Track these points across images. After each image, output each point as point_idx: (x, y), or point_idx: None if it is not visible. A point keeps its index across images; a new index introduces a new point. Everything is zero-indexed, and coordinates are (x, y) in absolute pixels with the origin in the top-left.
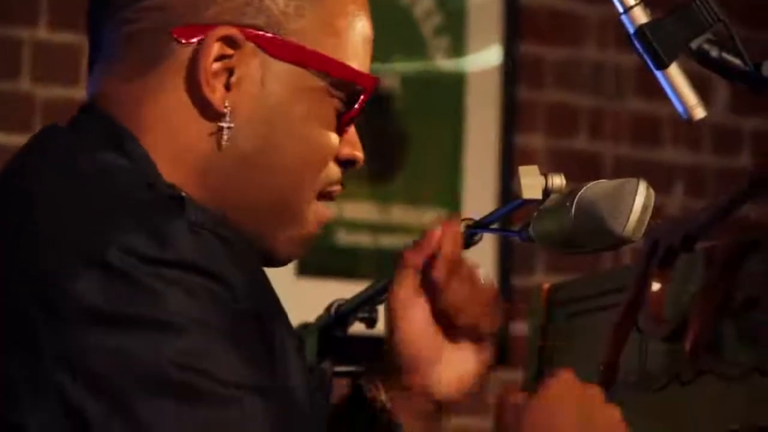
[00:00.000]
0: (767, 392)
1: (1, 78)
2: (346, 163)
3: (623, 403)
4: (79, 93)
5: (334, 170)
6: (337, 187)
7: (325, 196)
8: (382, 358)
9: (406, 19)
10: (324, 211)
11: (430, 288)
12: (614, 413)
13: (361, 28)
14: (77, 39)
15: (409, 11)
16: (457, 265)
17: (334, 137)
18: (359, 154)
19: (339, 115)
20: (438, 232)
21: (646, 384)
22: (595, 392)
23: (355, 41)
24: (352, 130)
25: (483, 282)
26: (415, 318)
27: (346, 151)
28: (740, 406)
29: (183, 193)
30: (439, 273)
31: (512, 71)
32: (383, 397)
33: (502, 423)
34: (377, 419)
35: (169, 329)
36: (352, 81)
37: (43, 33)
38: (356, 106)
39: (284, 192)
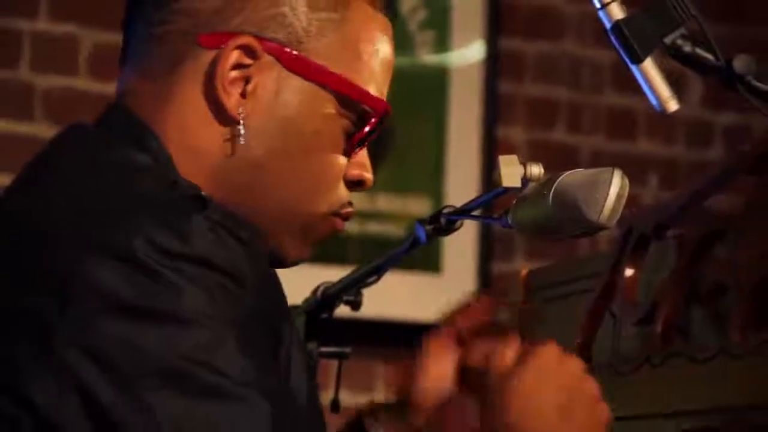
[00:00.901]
0: (734, 373)
1: (1, 67)
2: (354, 184)
3: (598, 383)
4: (77, 82)
5: (342, 192)
6: (349, 210)
7: (338, 216)
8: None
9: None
10: (338, 222)
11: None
12: (593, 387)
13: (382, 53)
14: (75, 30)
15: (396, 7)
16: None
17: (340, 159)
18: (368, 176)
19: (348, 136)
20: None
21: (619, 365)
22: (577, 365)
23: (373, 65)
24: (363, 152)
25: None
26: (437, 369)
27: (355, 172)
28: (708, 387)
29: (204, 193)
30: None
31: (494, 65)
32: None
33: (488, 388)
34: None
35: (184, 324)
36: (364, 104)
37: (42, 24)
38: (366, 128)
39: (291, 203)
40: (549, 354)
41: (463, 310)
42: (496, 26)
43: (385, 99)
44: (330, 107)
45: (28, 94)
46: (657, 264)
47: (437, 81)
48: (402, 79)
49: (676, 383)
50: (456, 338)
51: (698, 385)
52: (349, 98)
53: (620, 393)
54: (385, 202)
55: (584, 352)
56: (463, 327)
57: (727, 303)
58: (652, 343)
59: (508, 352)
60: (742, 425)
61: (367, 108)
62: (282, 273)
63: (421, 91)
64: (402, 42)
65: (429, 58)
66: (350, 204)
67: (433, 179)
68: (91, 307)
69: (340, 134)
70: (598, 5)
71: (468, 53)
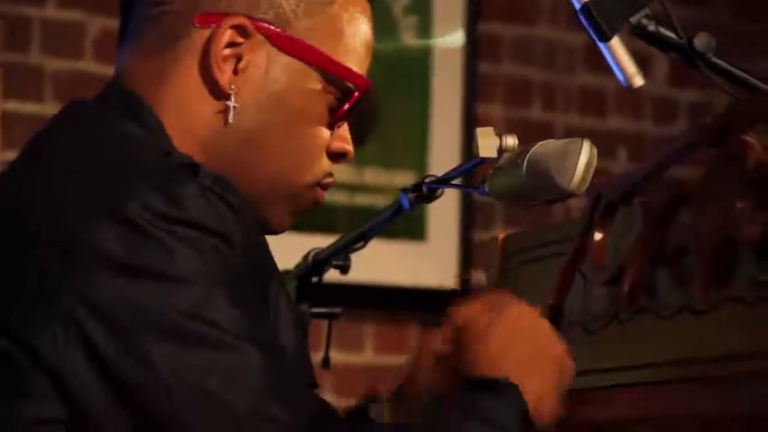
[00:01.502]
0: (695, 328)
1: (14, 51)
2: (336, 156)
3: (569, 339)
4: (85, 65)
5: (325, 164)
6: (330, 179)
7: (320, 186)
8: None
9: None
10: (319, 194)
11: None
12: (560, 345)
13: (363, 33)
14: (82, 17)
15: None
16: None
17: (324, 132)
18: (349, 148)
19: (332, 111)
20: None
21: (589, 322)
22: (544, 322)
23: (355, 45)
24: (344, 126)
25: None
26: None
27: (337, 145)
28: (672, 341)
29: (195, 161)
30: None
31: (473, 48)
32: (386, 417)
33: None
34: None
35: (179, 281)
36: (347, 81)
37: (51, 11)
38: (347, 105)
39: (277, 173)
40: (517, 309)
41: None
42: (475, 11)
43: (366, 76)
44: (316, 84)
45: (38, 76)
46: (624, 229)
47: (421, 63)
48: (388, 61)
49: (642, 338)
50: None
51: (663, 340)
52: (333, 75)
53: (590, 348)
54: (372, 176)
55: (557, 311)
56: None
57: (689, 263)
58: (620, 301)
59: (480, 306)
60: (704, 376)
61: (349, 85)
62: (276, 241)
63: (405, 72)
64: (387, 27)
65: (413, 41)
66: (331, 175)
67: (417, 154)
68: (94, 266)
69: (324, 109)
70: None
71: (449, 37)
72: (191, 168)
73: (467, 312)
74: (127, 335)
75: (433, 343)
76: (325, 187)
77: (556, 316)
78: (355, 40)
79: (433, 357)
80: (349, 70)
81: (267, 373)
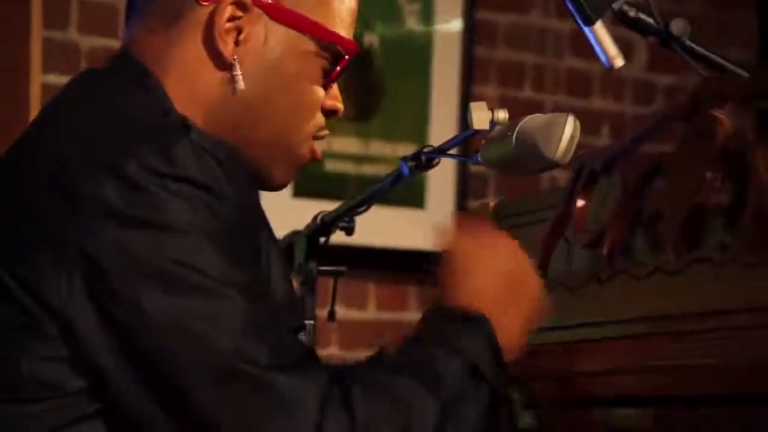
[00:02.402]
0: (668, 288)
1: (53, 29)
2: (329, 113)
3: (554, 296)
4: (116, 43)
5: (320, 118)
6: (324, 132)
7: (315, 138)
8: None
9: None
10: (316, 149)
11: None
12: (536, 281)
13: (348, 3)
14: None
15: None
16: None
17: (320, 91)
18: (340, 106)
19: (325, 73)
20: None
21: (571, 282)
22: (525, 258)
23: (342, 12)
24: (335, 86)
25: None
26: None
27: (330, 103)
28: (647, 299)
29: (188, 120)
30: None
31: (471, 34)
32: None
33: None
34: None
35: (171, 231)
36: (337, 45)
37: None
38: (339, 66)
39: (278, 131)
40: (501, 245)
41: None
42: (473, 0)
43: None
44: (309, 49)
45: (75, 53)
46: (604, 196)
47: (422, 46)
48: (393, 44)
49: (620, 296)
50: None
51: (639, 298)
52: (325, 41)
53: (571, 305)
54: (377, 147)
55: (541, 271)
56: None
57: (662, 228)
58: (599, 262)
59: (469, 241)
60: (676, 331)
61: (340, 48)
62: (289, 205)
63: (408, 54)
64: (392, 13)
65: (416, 26)
66: (324, 128)
67: (418, 128)
68: (94, 217)
69: (318, 71)
70: None
71: (449, 23)
72: (185, 127)
73: (455, 242)
74: (121, 280)
75: None
76: (320, 138)
77: (541, 276)
78: (341, 9)
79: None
80: (338, 35)
81: (250, 318)
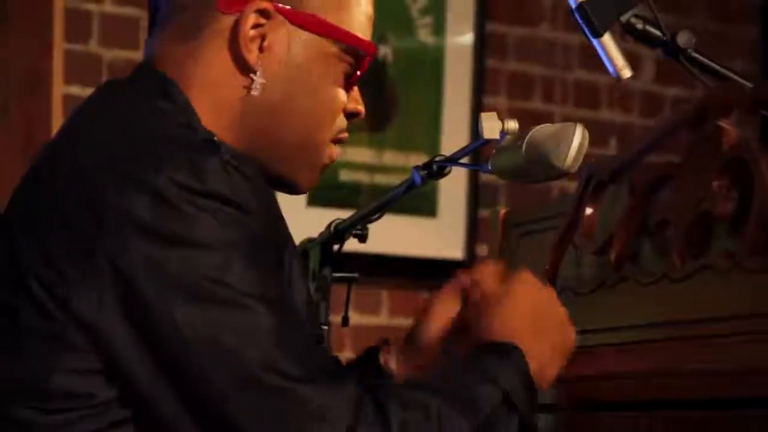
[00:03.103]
0: (675, 294)
1: (75, 42)
2: (351, 115)
3: (562, 302)
4: (137, 55)
5: (342, 120)
6: (345, 134)
7: (336, 141)
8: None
9: (397, 2)
10: (336, 150)
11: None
12: (563, 312)
13: (365, 7)
14: (136, 12)
15: None
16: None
17: (342, 93)
18: (361, 108)
19: (347, 76)
20: (486, 267)
21: (579, 288)
22: (550, 293)
23: (360, 17)
24: (356, 89)
25: None
26: (446, 318)
27: (351, 106)
28: (654, 305)
29: (215, 137)
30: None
31: (482, 46)
32: (393, 364)
33: (471, 308)
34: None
35: (201, 247)
36: (358, 48)
37: (108, 7)
38: (361, 68)
39: (303, 135)
40: (526, 282)
41: (469, 271)
42: (484, 13)
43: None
44: (332, 53)
45: (96, 65)
46: (612, 204)
47: (435, 58)
48: (406, 56)
49: (626, 302)
50: (460, 292)
51: (645, 304)
52: (346, 44)
53: (579, 311)
54: (390, 158)
55: (551, 277)
56: (466, 284)
57: (669, 236)
58: (607, 269)
59: (492, 280)
60: (681, 337)
61: (361, 51)
62: (304, 214)
63: (421, 66)
64: (405, 25)
65: (428, 39)
66: (346, 131)
67: (430, 138)
68: (125, 231)
69: (340, 74)
70: None
71: (461, 35)
72: (213, 143)
73: (483, 281)
74: (153, 295)
75: (441, 300)
76: (340, 141)
77: (550, 282)
78: (359, 13)
79: (444, 314)
80: (358, 37)
81: (278, 332)
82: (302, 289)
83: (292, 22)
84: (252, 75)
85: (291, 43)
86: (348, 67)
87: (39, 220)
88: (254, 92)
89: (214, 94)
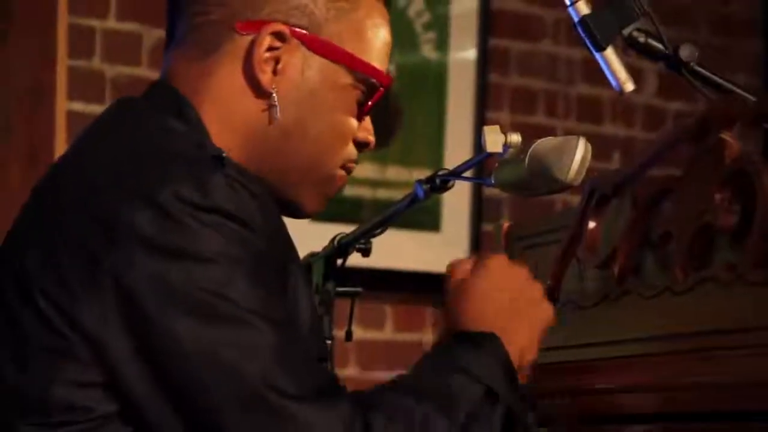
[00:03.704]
0: (677, 307)
1: (78, 58)
2: (360, 145)
3: (566, 316)
4: (140, 71)
5: (352, 149)
6: (353, 164)
7: (344, 169)
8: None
9: (401, 18)
10: (343, 177)
11: None
12: (537, 288)
13: (383, 35)
14: (139, 28)
15: (404, 11)
16: None
17: (353, 122)
18: (372, 139)
19: (359, 105)
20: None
21: (582, 301)
22: (522, 272)
23: (377, 46)
24: (368, 119)
25: None
26: None
27: (362, 135)
28: (656, 318)
29: (224, 154)
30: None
31: (484, 61)
32: None
33: (447, 298)
34: None
35: (203, 261)
36: (372, 77)
37: (111, 23)
38: (373, 98)
39: (312, 160)
40: (498, 263)
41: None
42: (487, 29)
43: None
44: (345, 80)
45: (99, 81)
46: (615, 218)
47: (438, 74)
48: (409, 71)
49: (629, 315)
50: None
51: (648, 317)
52: (360, 73)
53: (582, 324)
54: (393, 172)
55: (554, 290)
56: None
57: (671, 249)
58: (610, 283)
59: (464, 263)
60: (684, 350)
61: (374, 81)
62: (308, 228)
63: (424, 81)
64: (409, 41)
65: (431, 54)
66: (355, 160)
67: (433, 154)
68: (129, 245)
69: (353, 102)
70: (567, 2)
71: (464, 51)
72: (219, 159)
73: (453, 272)
74: (155, 309)
75: None
76: (348, 170)
77: (553, 296)
78: (377, 43)
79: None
80: (374, 68)
81: (278, 348)
82: (309, 308)
83: (308, 47)
84: (266, 97)
85: (305, 68)
86: (361, 96)
87: (46, 235)
88: (266, 115)
89: (226, 113)
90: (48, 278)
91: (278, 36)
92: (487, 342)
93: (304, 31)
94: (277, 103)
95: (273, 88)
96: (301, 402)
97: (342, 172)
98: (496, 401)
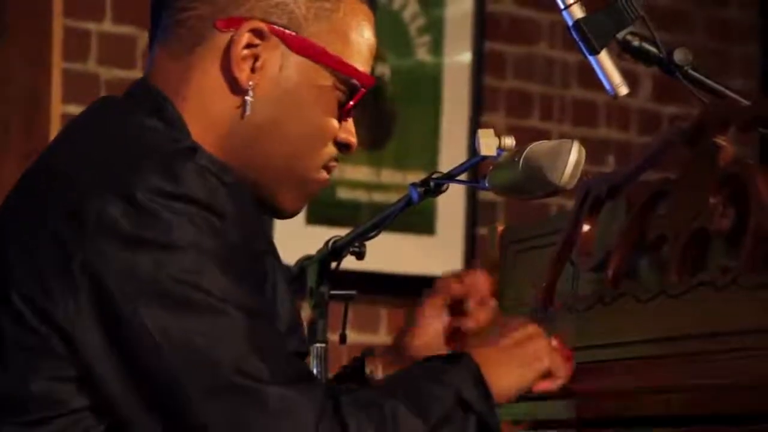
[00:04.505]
0: (672, 310)
1: (74, 61)
2: (342, 146)
3: (560, 319)
4: (135, 74)
5: (332, 149)
6: (334, 164)
7: (325, 169)
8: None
9: (396, 21)
10: (325, 178)
11: (456, 311)
12: (543, 342)
13: (366, 36)
14: (134, 31)
15: (398, 14)
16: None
17: (334, 122)
18: (353, 140)
19: (341, 105)
20: (476, 274)
21: (577, 304)
22: (533, 330)
23: (360, 47)
24: (350, 120)
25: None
26: (431, 328)
27: (343, 136)
28: (651, 321)
29: (196, 145)
30: (470, 305)
31: (480, 64)
32: (379, 374)
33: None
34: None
35: (173, 250)
36: (353, 78)
37: (107, 26)
38: (354, 99)
39: (289, 160)
40: (514, 325)
41: (459, 277)
42: (482, 32)
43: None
44: (325, 80)
45: (94, 84)
46: (609, 221)
47: (433, 77)
48: (404, 74)
49: (624, 319)
50: (448, 301)
51: (642, 320)
52: (342, 74)
53: (577, 327)
54: (388, 176)
55: (548, 294)
56: (456, 293)
57: (666, 252)
58: (604, 285)
59: (485, 289)
60: (679, 353)
61: (356, 82)
62: (303, 232)
63: (419, 84)
64: (404, 44)
65: (427, 58)
66: (336, 159)
67: (429, 157)
68: (99, 236)
69: (333, 103)
70: (561, 6)
71: (459, 54)
72: (190, 150)
73: (474, 291)
74: (124, 299)
75: (425, 310)
76: (329, 170)
77: (547, 299)
78: (360, 43)
79: (428, 324)
80: (354, 68)
81: (250, 335)
82: (286, 303)
83: (287, 46)
84: (244, 94)
85: (283, 66)
86: (342, 96)
87: (22, 231)
88: (243, 112)
89: (205, 110)
90: (23, 274)
91: (257, 33)
92: (461, 358)
93: (283, 29)
94: (251, 100)
95: (250, 85)
96: (275, 386)
97: (323, 173)
98: (469, 411)
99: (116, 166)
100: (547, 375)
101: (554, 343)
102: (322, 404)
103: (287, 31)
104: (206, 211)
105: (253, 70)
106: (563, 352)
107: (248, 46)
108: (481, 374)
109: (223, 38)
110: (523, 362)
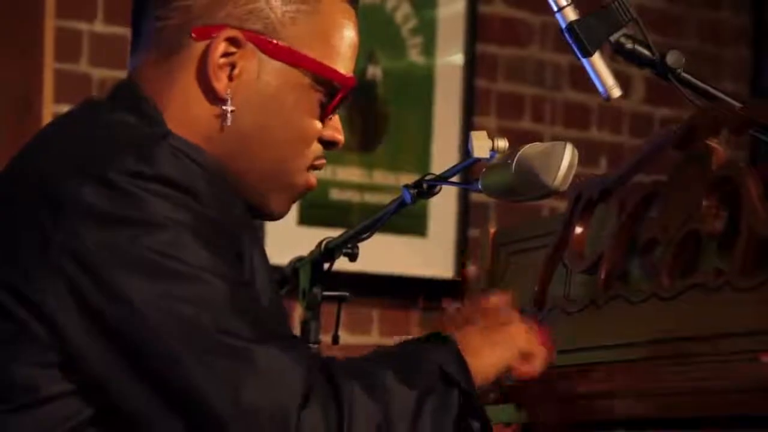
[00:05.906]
0: (664, 313)
1: (65, 61)
2: (328, 144)
3: (551, 321)
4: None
5: (317, 148)
6: (321, 161)
7: (313, 167)
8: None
9: (388, 22)
10: (312, 179)
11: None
12: (520, 327)
13: (348, 36)
14: (126, 32)
15: (391, 16)
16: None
17: (316, 123)
18: (340, 137)
19: (322, 105)
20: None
21: (569, 307)
22: (514, 317)
23: (341, 48)
24: (335, 117)
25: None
26: None
27: (329, 134)
28: (642, 324)
29: (169, 131)
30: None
31: (471, 66)
32: None
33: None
34: None
35: (149, 225)
36: (332, 80)
37: (99, 26)
38: (335, 100)
39: (275, 163)
40: (493, 310)
41: (477, 298)
42: (473, 34)
43: (353, 74)
44: (304, 84)
45: (86, 84)
46: (601, 223)
47: (425, 79)
48: (396, 77)
49: (616, 321)
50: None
51: (634, 323)
52: (321, 76)
53: (569, 329)
54: (380, 177)
55: (540, 296)
56: (467, 310)
57: (658, 254)
58: (597, 287)
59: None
60: (670, 355)
61: (335, 83)
62: (295, 233)
63: (411, 86)
64: (396, 46)
65: (418, 59)
66: (322, 157)
67: (421, 158)
68: (77, 220)
69: (314, 104)
70: (554, 8)
71: (451, 56)
72: (163, 133)
73: (466, 309)
74: (106, 277)
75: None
76: (317, 168)
77: (540, 301)
78: (341, 44)
79: None
80: (333, 70)
81: (230, 299)
82: (266, 278)
83: (263, 52)
84: (222, 103)
85: (261, 72)
86: (323, 97)
87: (4, 226)
88: (224, 121)
89: (186, 117)
90: (6, 270)
91: (233, 41)
92: (440, 337)
93: (259, 36)
94: (231, 109)
95: (228, 94)
96: (260, 343)
97: (310, 174)
98: (451, 385)
99: (91, 154)
100: (526, 358)
101: (532, 327)
102: (308, 362)
103: (263, 37)
104: (181, 191)
105: (230, 78)
106: (541, 337)
107: (225, 54)
108: (461, 353)
109: (198, 47)
110: (500, 343)
